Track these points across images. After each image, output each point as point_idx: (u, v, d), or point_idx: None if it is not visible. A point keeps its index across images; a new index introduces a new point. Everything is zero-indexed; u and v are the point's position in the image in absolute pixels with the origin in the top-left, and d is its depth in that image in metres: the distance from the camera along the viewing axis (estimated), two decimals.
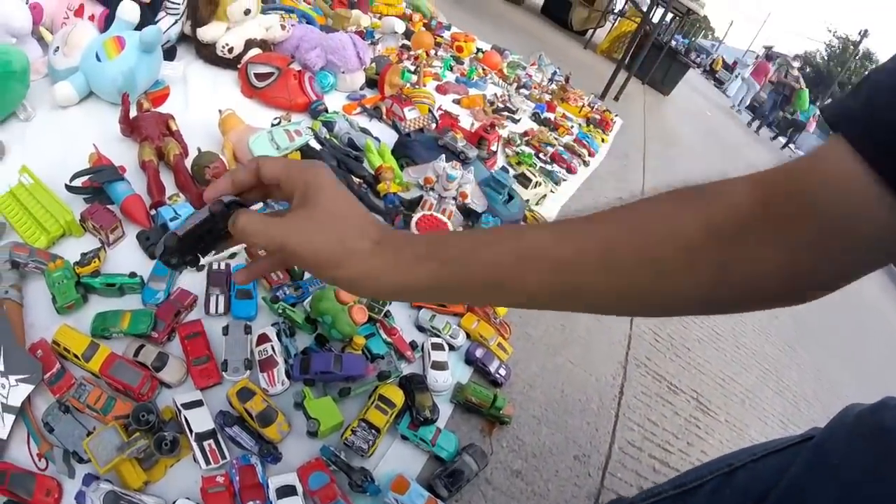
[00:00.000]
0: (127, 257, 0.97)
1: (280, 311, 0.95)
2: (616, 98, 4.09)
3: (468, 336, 1.12)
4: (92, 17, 1.41)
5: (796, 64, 10.80)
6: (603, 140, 2.84)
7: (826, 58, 31.83)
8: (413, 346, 1.02)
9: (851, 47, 29.18)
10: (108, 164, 1.08)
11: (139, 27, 1.34)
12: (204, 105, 1.41)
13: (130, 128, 1.20)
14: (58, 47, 1.30)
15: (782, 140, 11.70)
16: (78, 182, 1.02)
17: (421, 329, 1.09)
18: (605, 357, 1.46)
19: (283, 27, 1.65)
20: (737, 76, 18.46)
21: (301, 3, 2.11)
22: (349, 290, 0.47)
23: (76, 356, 0.79)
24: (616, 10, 8.00)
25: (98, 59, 1.26)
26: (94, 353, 0.79)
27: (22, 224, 0.93)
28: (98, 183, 1.03)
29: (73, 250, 0.93)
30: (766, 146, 10.20)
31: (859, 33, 27.79)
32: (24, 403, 0.72)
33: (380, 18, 2.38)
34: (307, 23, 1.92)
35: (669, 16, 6.24)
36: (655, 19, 4.89)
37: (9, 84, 1.09)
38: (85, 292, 0.88)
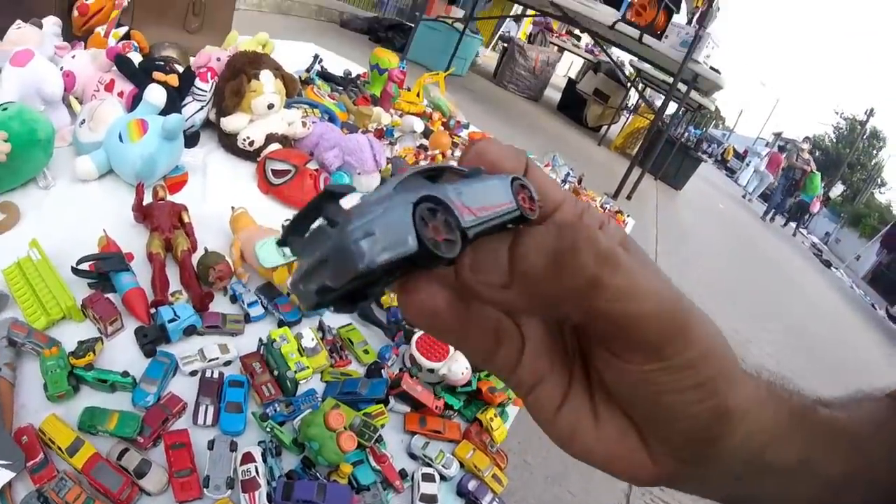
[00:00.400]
0: (124, 351, 0.96)
1: (268, 429, 0.92)
2: (629, 196, 4.15)
3: (462, 465, 1.07)
4: (121, 94, 1.47)
5: (805, 146, 10.62)
6: None
7: (834, 140, 32.35)
8: (403, 474, 0.98)
9: (858, 127, 29.64)
10: (117, 251, 1.09)
11: (166, 111, 1.38)
12: (221, 196, 1.43)
13: (143, 215, 1.21)
14: (84, 120, 1.34)
15: (793, 225, 11.80)
16: (84, 265, 1.02)
17: (413, 457, 1.04)
18: (607, 485, 1.38)
19: (304, 124, 1.70)
20: (748, 164, 18.95)
21: (325, 98, 2.19)
22: (718, 437, 0.25)
23: (60, 449, 0.78)
24: (630, 106, 8.28)
25: (121, 139, 1.29)
26: (79, 449, 0.78)
27: (25, 300, 0.93)
28: (104, 270, 1.04)
29: (71, 334, 0.93)
30: (779, 234, 10.22)
31: (865, 112, 28.36)
32: (3, 487, 0.70)
33: (401, 116, 2.46)
34: (329, 119, 1.98)
35: (682, 110, 6.44)
36: (669, 112, 5.04)
37: (32, 151, 1.13)
38: (77, 383, 0.87)
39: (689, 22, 4.67)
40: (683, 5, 5.19)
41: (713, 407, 0.24)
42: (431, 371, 1.02)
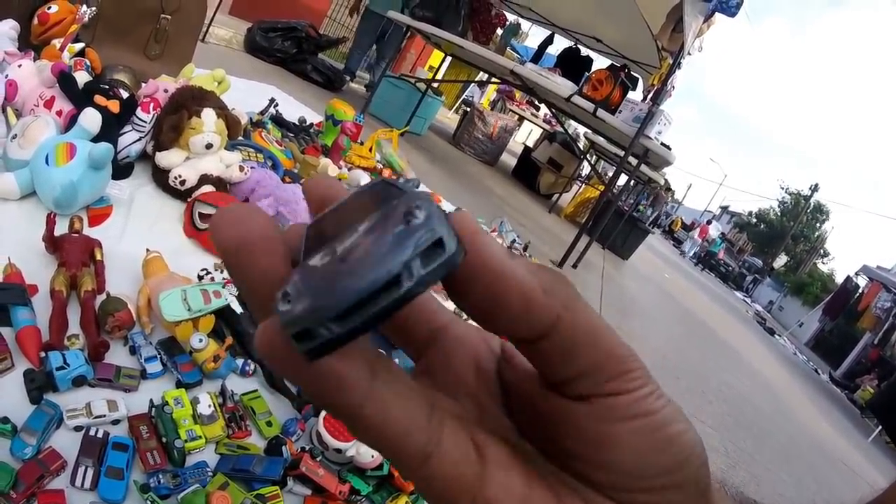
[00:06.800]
0: (11, 392, 0.88)
1: (149, 501, 0.82)
2: (575, 266, 4.19)
3: None
4: (59, 113, 1.41)
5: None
6: None
7: (779, 213, 33.99)
8: None
9: (803, 201, 31.32)
10: (19, 282, 1.02)
11: (101, 137, 1.32)
12: (141, 235, 1.35)
13: (54, 247, 1.14)
14: (15, 135, 1.28)
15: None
16: None
17: None
18: None
19: (241, 168, 1.64)
20: (692, 237, 20.38)
21: (273, 143, 2.14)
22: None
23: None
24: (582, 176, 8.51)
25: (47, 161, 1.23)
26: None
27: None
28: (1, 301, 0.96)
29: None
30: (722, 302, 10.44)
31: (810, 188, 30.16)
32: None
33: (350, 169, 2.43)
34: (272, 165, 1.93)
35: (632, 182, 6.63)
36: (620, 182, 5.16)
37: None
38: None
39: (644, 99, 4.90)
40: (640, 83, 5.45)
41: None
42: (339, 451, 0.94)
